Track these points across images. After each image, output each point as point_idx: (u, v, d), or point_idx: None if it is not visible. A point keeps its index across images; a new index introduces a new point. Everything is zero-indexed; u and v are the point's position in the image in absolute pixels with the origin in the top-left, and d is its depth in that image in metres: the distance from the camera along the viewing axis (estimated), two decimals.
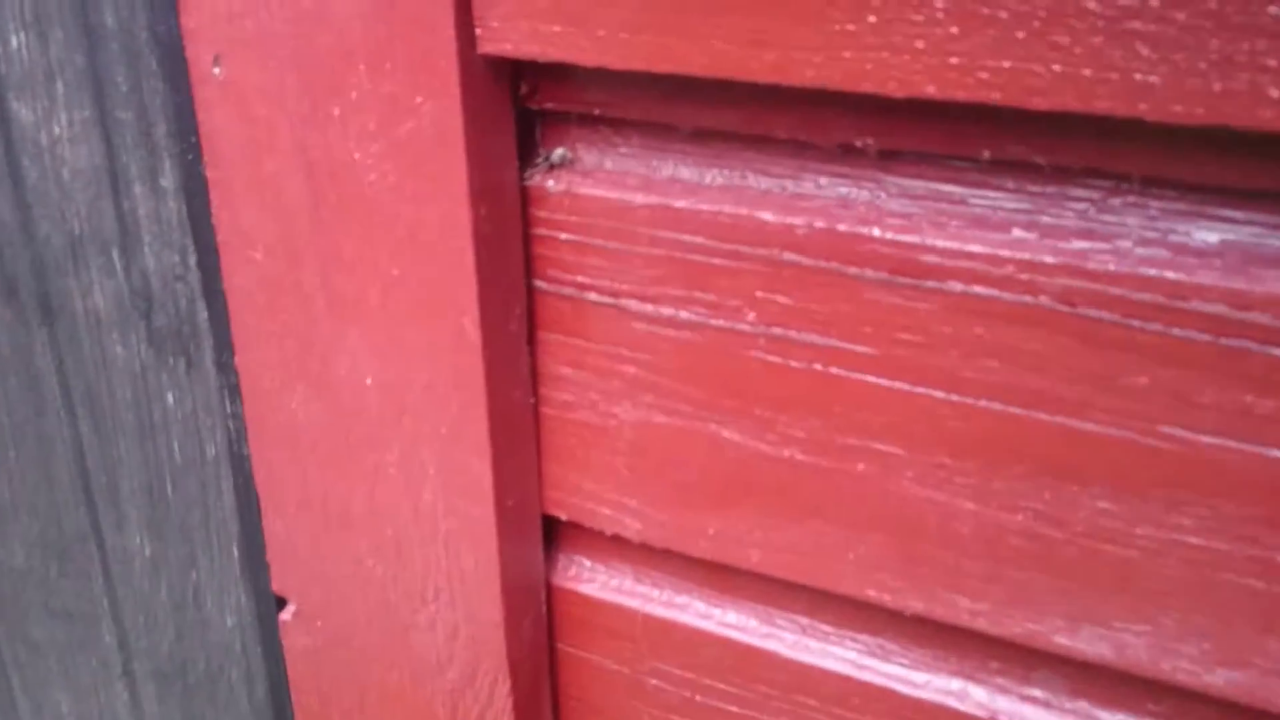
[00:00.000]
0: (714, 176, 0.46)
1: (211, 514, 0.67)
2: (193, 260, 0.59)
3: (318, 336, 0.53)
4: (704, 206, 0.45)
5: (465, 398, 0.50)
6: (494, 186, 0.47)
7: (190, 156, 0.57)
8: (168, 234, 0.59)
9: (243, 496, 0.65)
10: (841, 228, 0.43)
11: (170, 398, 0.64)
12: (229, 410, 0.63)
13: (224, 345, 0.60)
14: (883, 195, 0.43)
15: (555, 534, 0.57)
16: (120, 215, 0.60)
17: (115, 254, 0.62)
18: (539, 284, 0.50)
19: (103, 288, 0.63)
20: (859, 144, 0.42)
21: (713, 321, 0.47)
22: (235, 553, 0.67)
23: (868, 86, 0.38)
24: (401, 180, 0.47)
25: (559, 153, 0.48)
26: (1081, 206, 0.40)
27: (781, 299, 0.45)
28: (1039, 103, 0.35)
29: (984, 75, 0.36)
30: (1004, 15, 0.35)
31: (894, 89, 0.37)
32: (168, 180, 0.58)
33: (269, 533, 0.60)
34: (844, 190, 0.44)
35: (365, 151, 0.47)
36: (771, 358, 0.46)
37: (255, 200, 0.51)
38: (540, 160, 0.49)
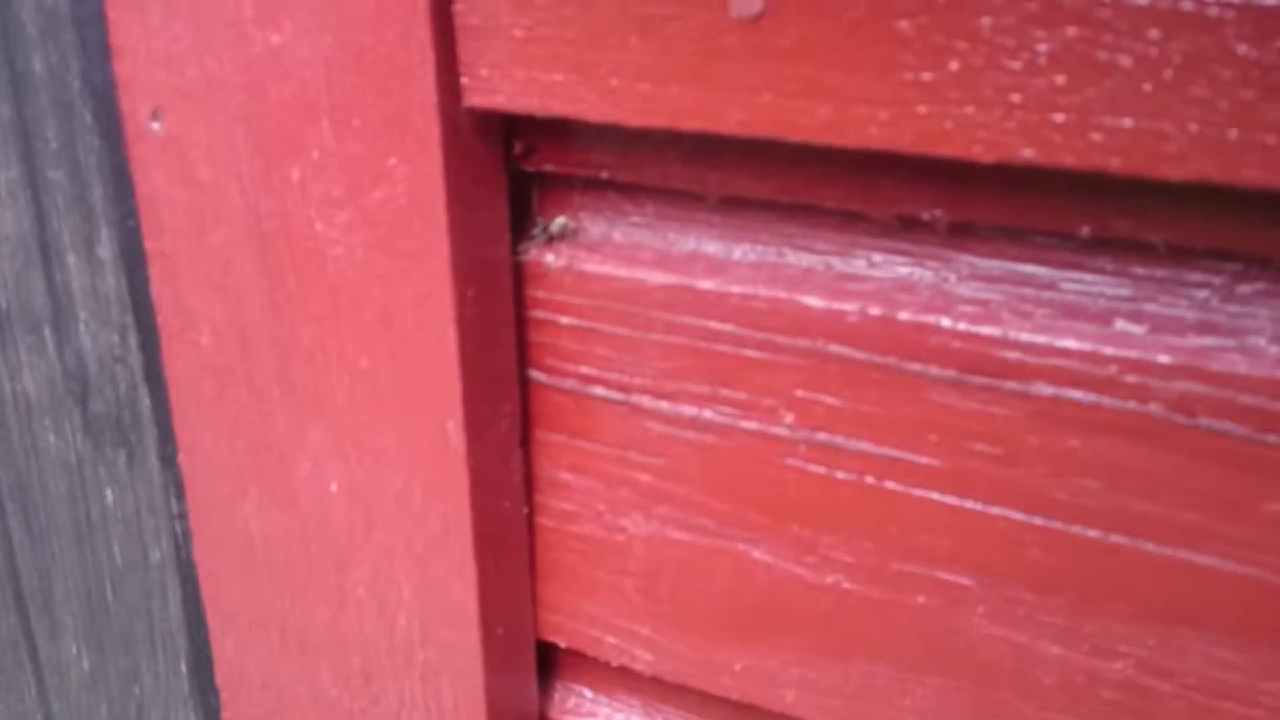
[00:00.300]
0: (745, 252, 0.39)
1: (156, 625, 0.58)
2: (134, 340, 0.52)
3: (274, 435, 0.45)
4: (733, 288, 0.38)
5: (446, 510, 0.42)
6: (482, 263, 0.39)
7: (131, 223, 0.49)
8: (105, 310, 0.52)
9: (191, 607, 0.56)
10: (902, 316, 0.36)
11: (109, 494, 0.56)
12: (175, 510, 0.55)
13: (169, 437, 0.52)
14: (952, 277, 0.36)
15: (552, 662, 0.49)
16: (52, 288, 0.53)
17: (47, 332, 0.54)
18: (536, 376, 0.43)
19: (33, 369, 0.55)
20: (925, 216, 0.35)
21: (742, 424, 0.39)
22: (183, 668, 0.59)
23: (948, 150, 0.30)
24: (372, 255, 0.39)
25: (559, 222, 0.41)
26: (1202, 294, 0.33)
27: (827, 399, 0.38)
28: (1169, 171, 0.28)
29: (1098, 137, 0.29)
30: (1126, 62, 0.28)
31: (981, 153, 0.30)
32: (105, 250, 0.50)
33: (218, 655, 0.52)
34: (904, 270, 0.36)
35: (329, 222, 0.40)
36: (813, 468, 0.39)
37: (201, 276, 0.44)
38: (537, 231, 0.41)
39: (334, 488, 0.44)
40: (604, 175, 0.39)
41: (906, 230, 0.36)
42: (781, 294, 0.37)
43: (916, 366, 0.36)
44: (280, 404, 0.44)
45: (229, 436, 0.46)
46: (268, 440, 0.45)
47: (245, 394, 0.45)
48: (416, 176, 0.37)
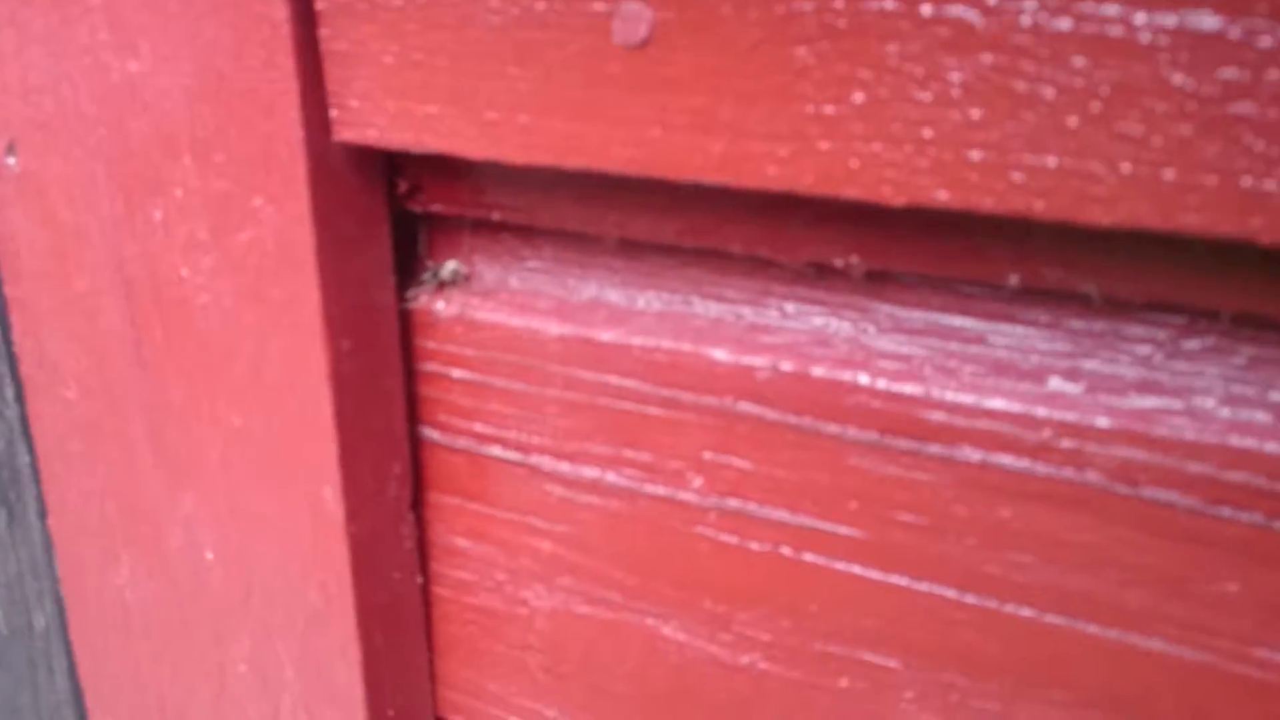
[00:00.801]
0: (649, 300, 0.35)
1: (42, 696, 0.54)
2: (10, 392, 0.48)
3: (146, 498, 0.41)
4: (635, 340, 0.34)
5: (326, 581, 0.38)
6: (362, 311, 0.36)
7: None
8: None
9: (78, 678, 0.52)
10: (817, 372, 0.32)
11: None
12: (60, 574, 0.51)
13: None
14: (871, 330, 0.32)
15: None
16: None
17: None
18: (427, 433, 0.39)
19: None
20: (839, 263, 0.31)
21: (647, 488, 0.36)
22: None
23: (854, 191, 0.27)
24: (240, 304, 0.36)
25: (450, 267, 0.38)
26: (1144, 351, 0.29)
27: (737, 463, 0.34)
28: (1100, 216, 0.25)
29: (1018, 177, 0.25)
30: (1049, 94, 0.24)
31: (891, 195, 0.27)
32: None
33: None
34: (819, 322, 0.33)
35: (195, 267, 0.36)
36: (725, 537, 0.35)
37: (64, 325, 0.40)
38: (427, 277, 0.38)
39: (209, 556, 0.40)
40: (495, 216, 0.36)
41: (820, 278, 0.33)
42: (687, 347, 0.34)
43: (833, 428, 0.32)
44: (151, 464, 0.40)
45: (99, 498, 0.42)
46: (139, 503, 0.41)
47: (115, 453, 0.41)
48: (283, 217, 0.34)
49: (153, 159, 0.36)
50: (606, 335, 0.35)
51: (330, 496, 0.36)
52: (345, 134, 0.33)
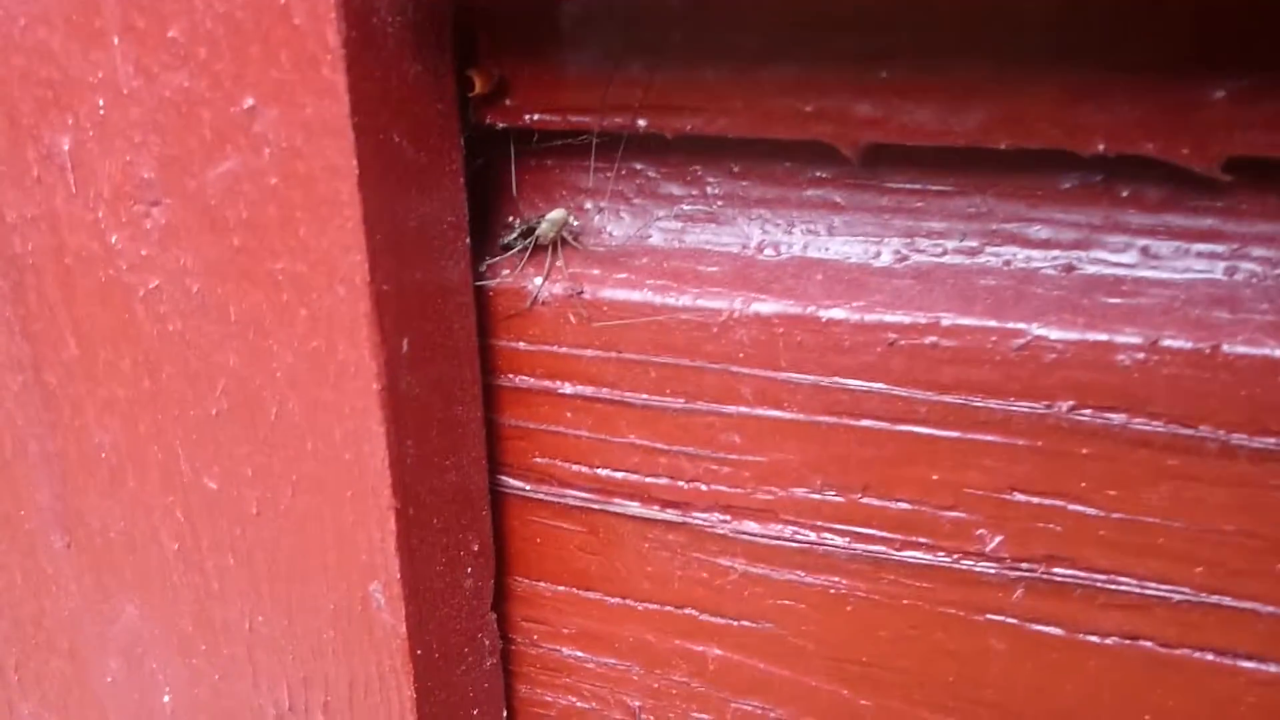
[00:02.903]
0: (901, 252, 0.22)
1: None
2: None
3: (65, 603, 0.26)
4: (893, 318, 0.21)
5: None
6: (426, 294, 0.22)
7: None
8: None
9: None
10: (1230, 349, 0.19)
11: None
12: None
13: None
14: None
15: None
16: None
17: None
18: (513, 485, 0.25)
19: None
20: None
21: (906, 556, 0.22)
22: None
23: None
24: (225, 294, 0.21)
25: (554, 217, 0.23)
26: None
27: (1077, 510, 0.21)
28: None
29: None
30: None
31: None
32: None
33: None
34: (1201, 268, 0.20)
35: (134, 230, 0.21)
36: (1049, 630, 0.22)
37: None
38: (513, 238, 0.24)
39: (166, 700, 0.25)
40: (640, 123, 0.22)
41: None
42: (991, 323, 0.20)
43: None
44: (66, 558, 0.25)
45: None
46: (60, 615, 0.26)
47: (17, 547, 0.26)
48: (298, 131, 0.19)
49: (49, 48, 0.21)
50: (838, 313, 0.21)
51: (382, 598, 0.22)
52: None
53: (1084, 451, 0.20)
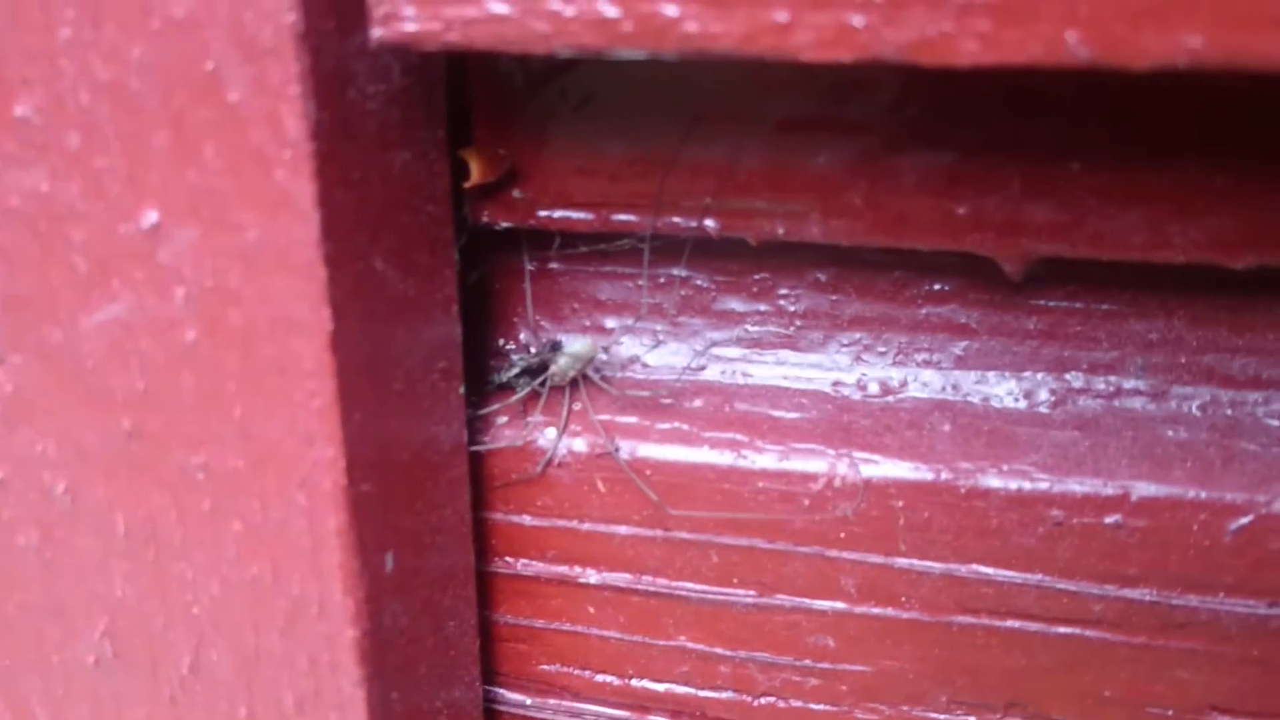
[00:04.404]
0: (1061, 389, 0.16)
1: None
2: None
3: None
4: (1069, 488, 0.15)
5: None
6: (410, 455, 0.15)
7: None
8: None
9: None
10: None
11: None
12: None
13: None
14: None
15: None
16: None
17: None
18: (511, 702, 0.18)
19: None
20: None
21: None
22: None
23: None
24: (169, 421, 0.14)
25: (577, 347, 0.17)
26: None
27: None
28: None
29: None
30: None
31: None
32: None
33: None
34: None
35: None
36: None
37: None
38: (513, 375, 0.17)
39: None
40: (711, 225, 0.15)
41: None
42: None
43: None
44: None
45: None
46: None
47: None
48: (256, 211, 0.12)
49: None
50: (987, 480, 0.15)
51: None
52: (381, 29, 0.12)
53: None
